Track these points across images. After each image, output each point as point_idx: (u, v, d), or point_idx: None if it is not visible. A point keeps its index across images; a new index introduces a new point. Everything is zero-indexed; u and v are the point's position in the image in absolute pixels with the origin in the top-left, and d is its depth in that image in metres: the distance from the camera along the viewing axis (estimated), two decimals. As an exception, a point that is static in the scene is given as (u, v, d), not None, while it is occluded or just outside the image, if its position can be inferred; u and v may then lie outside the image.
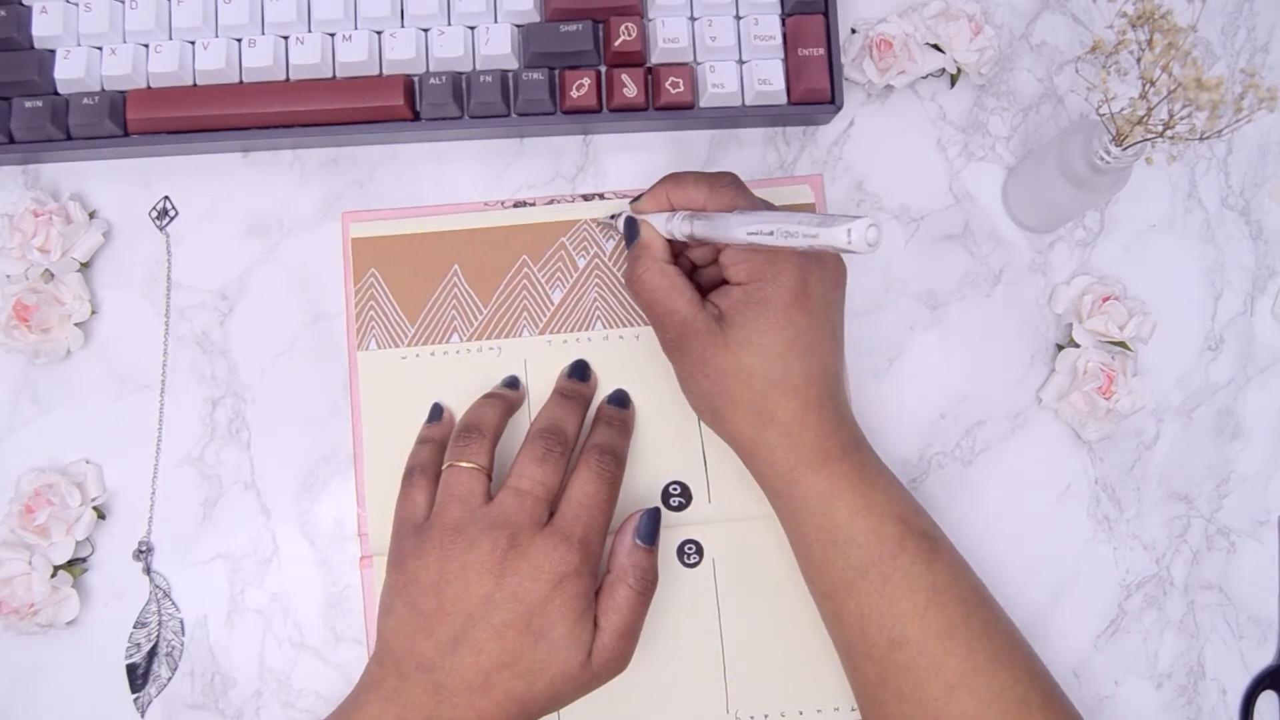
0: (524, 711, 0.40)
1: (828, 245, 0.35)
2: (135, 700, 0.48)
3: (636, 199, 0.46)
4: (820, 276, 0.42)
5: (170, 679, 0.48)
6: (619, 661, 0.42)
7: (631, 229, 0.45)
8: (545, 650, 0.40)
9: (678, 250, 0.45)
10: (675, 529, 0.48)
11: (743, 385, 0.41)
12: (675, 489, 0.48)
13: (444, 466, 0.44)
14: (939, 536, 0.42)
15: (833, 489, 0.41)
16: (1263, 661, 0.50)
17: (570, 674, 0.40)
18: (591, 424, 0.47)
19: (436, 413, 0.48)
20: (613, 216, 0.49)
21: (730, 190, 0.43)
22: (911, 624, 0.40)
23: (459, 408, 0.48)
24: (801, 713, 0.47)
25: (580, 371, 0.49)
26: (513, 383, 0.49)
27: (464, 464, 0.43)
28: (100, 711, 0.48)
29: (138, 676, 0.48)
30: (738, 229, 0.39)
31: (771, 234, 0.37)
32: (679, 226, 0.43)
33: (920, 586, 0.40)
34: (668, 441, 0.49)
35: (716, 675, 0.47)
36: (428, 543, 0.41)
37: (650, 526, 0.44)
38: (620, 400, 0.48)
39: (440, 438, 0.46)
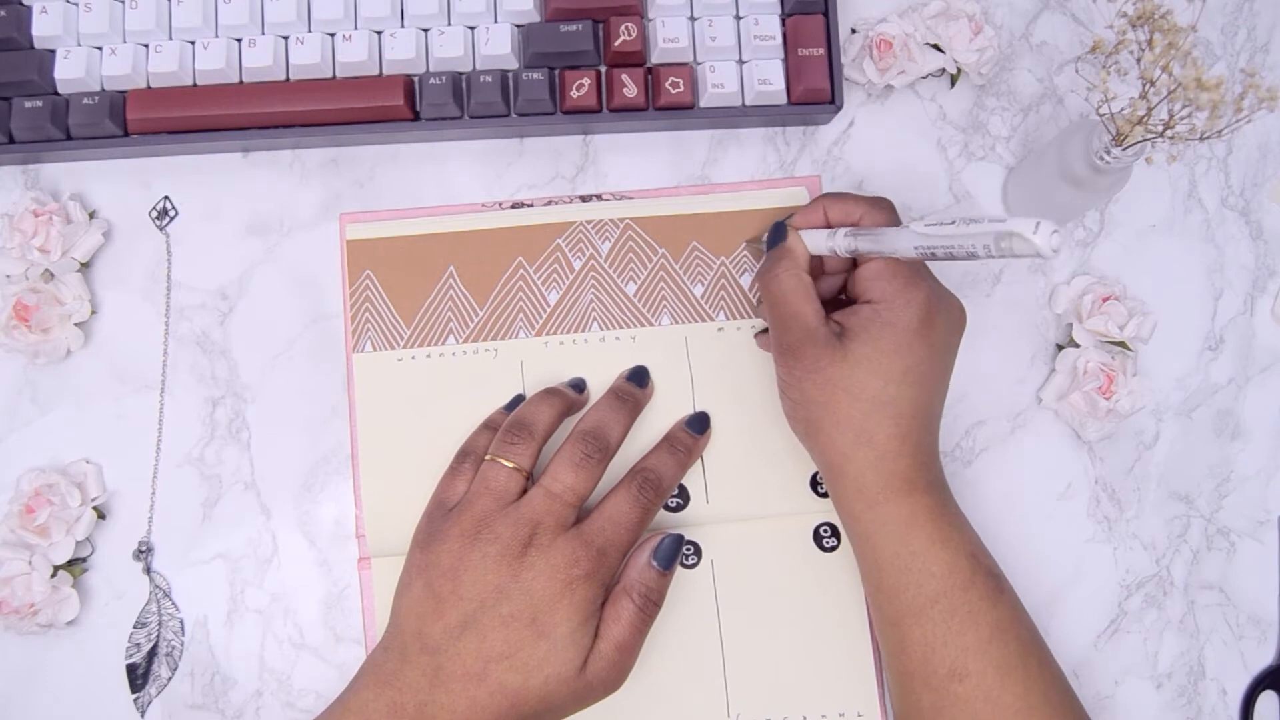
0: (514, 708, 0.40)
1: (1008, 247, 0.34)
2: (135, 700, 0.48)
3: (790, 216, 0.46)
4: (946, 316, 0.43)
5: (170, 679, 0.48)
6: (614, 674, 0.42)
7: (778, 233, 0.45)
8: (545, 648, 0.40)
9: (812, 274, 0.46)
10: (673, 530, 0.48)
11: (850, 401, 0.42)
12: (674, 489, 0.48)
13: (486, 457, 0.44)
14: (1003, 577, 0.43)
15: (914, 518, 0.42)
16: (1263, 661, 0.50)
17: (564, 677, 0.40)
18: (659, 441, 0.47)
19: (518, 403, 0.48)
20: (760, 238, 0.49)
21: (888, 210, 0.44)
22: (974, 658, 0.40)
23: (456, 411, 0.48)
24: (804, 716, 0.47)
25: (639, 377, 0.49)
26: (579, 384, 0.49)
27: (505, 462, 0.43)
28: (100, 711, 0.48)
29: (138, 676, 0.48)
30: (905, 237, 0.39)
31: (948, 245, 0.37)
32: (841, 242, 0.42)
33: (985, 622, 0.41)
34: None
35: (716, 677, 0.47)
36: (454, 528, 0.42)
37: (670, 552, 0.44)
38: (698, 425, 0.48)
39: None
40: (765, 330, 0.49)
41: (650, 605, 0.43)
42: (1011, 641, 0.41)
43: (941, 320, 0.42)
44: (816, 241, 0.44)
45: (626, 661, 0.42)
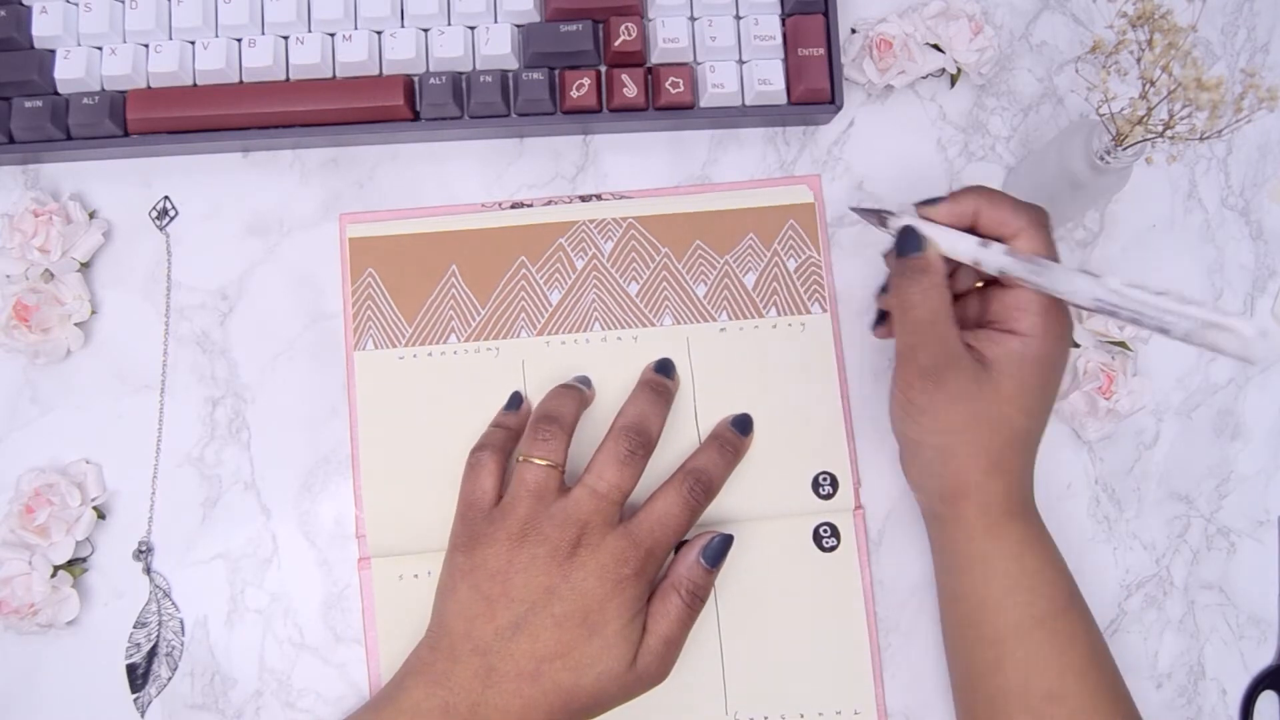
0: (566, 706, 0.41)
1: (1213, 340, 0.32)
2: (135, 700, 0.48)
3: (929, 202, 0.43)
4: (1071, 342, 0.43)
5: (170, 679, 0.48)
6: (661, 667, 0.42)
7: (914, 241, 0.42)
8: (598, 645, 0.41)
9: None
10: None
11: (992, 433, 0.41)
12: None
13: (519, 458, 0.44)
14: (1088, 605, 0.44)
15: (1029, 537, 0.42)
16: (1263, 661, 0.50)
17: (616, 673, 0.41)
18: (706, 440, 0.47)
19: (515, 401, 0.48)
20: (881, 214, 0.44)
21: (1046, 233, 0.41)
22: (1072, 680, 0.41)
23: (457, 410, 0.48)
24: (803, 715, 0.47)
25: (666, 369, 0.49)
26: (585, 381, 0.49)
27: (539, 461, 0.43)
28: (100, 711, 0.48)
29: (138, 676, 0.48)
30: (1086, 287, 0.37)
31: (1134, 311, 0.35)
32: (996, 260, 0.40)
33: (1082, 645, 0.41)
34: (664, 443, 0.48)
35: (715, 675, 0.47)
36: (499, 531, 0.42)
37: (719, 551, 0.45)
38: (742, 425, 0.48)
39: (516, 426, 0.47)
40: (882, 318, 0.47)
41: (697, 601, 0.43)
42: (1106, 668, 0.42)
43: (1070, 348, 0.43)
44: (961, 248, 0.41)
45: (673, 655, 0.43)
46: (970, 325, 0.43)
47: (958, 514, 0.43)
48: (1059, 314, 0.41)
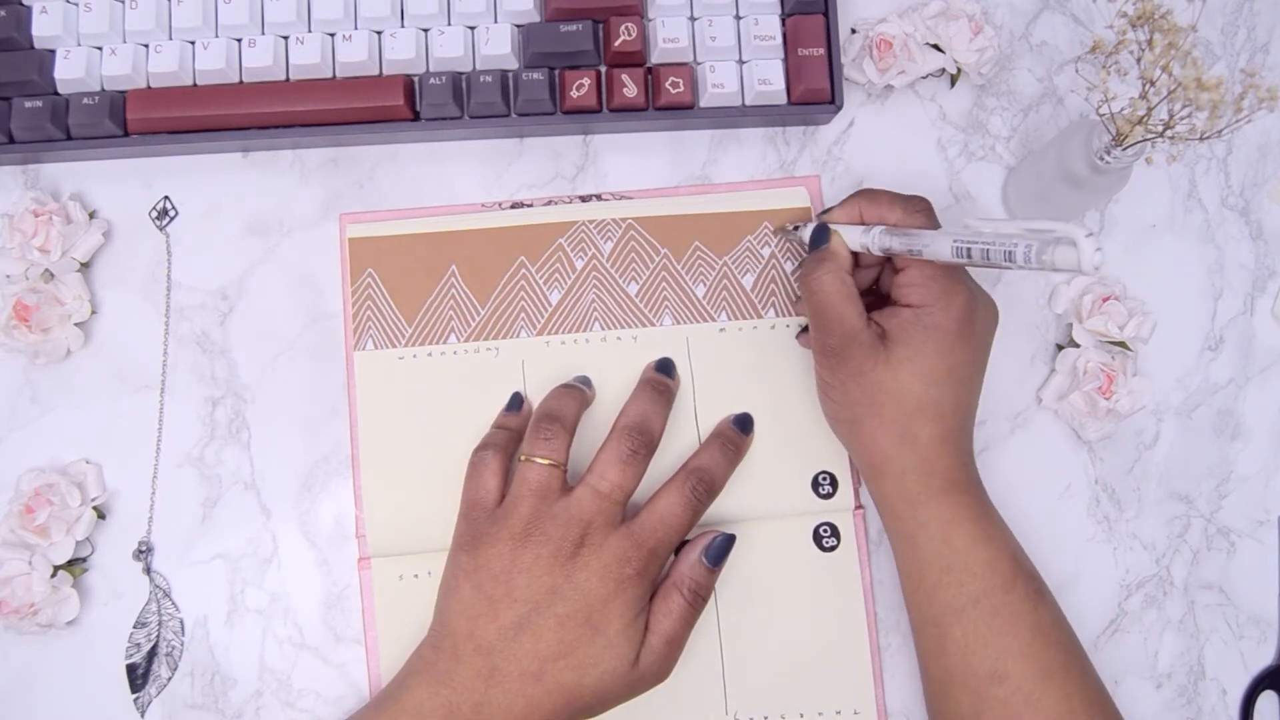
0: (570, 705, 0.41)
1: (1049, 259, 0.33)
2: (135, 700, 0.48)
3: (827, 210, 0.47)
4: (984, 317, 0.44)
5: (170, 679, 0.48)
6: (663, 666, 0.43)
7: (821, 235, 0.45)
8: (601, 645, 0.41)
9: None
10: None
11: (894, 403, 0.42)
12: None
13: (521, 458, 0.44)
14: (1043, 581, 0.43)
15: (955, 517, 0.42)
16: (1263, 661, 0.50)
17: (619, 672, 0.41)
18: (707, 439, 0.48)
19: (516, 402, 0.48)
20: (795, 227, 0.49)
21: (924, 213, 0.44)
22: (1014, 660, 0.41)
23: (457, 409, 0.48)
24: (802, 715, 0.47)
25: (667, 368, 0.49)
26: (586, 380, 0.49)
27: (542, 460, 0.43)
28: (100, 711, 0.48)
29: (138, 676, 0.48)
30: (943, 241, 0.39)
31: (985, 245, 0.37)
32: (877, 240, 0.43)
33: (1026, 625, 0.41)
34: (665, 443, 0.49)
35: (715, 675, 0.47)
36: (503, 531, 0.42)
37: (721, 550, 0.45)
38: (743, 424, 0.48)
39: (518, 427, 0.47)
40: (807, 329, 0.49)
41: (699, 600, 0.44)
42: (1052, 646, 0.41)
43: (979, 321, 0.43)
44: (850, 238, 0.45)
45: (675, 653, 0.43)
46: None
47: (881, 491, 0.44)
48: (947, 283, 0.43)
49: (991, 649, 0.41)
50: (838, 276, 0.44)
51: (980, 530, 0.42)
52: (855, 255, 0.45)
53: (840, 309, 0.43)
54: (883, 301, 0.46)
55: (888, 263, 0.46)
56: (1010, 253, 0.36)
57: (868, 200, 0.45)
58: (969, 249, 0.38)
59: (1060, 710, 0.40)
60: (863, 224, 0.45)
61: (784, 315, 0.50)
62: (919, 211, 0.44)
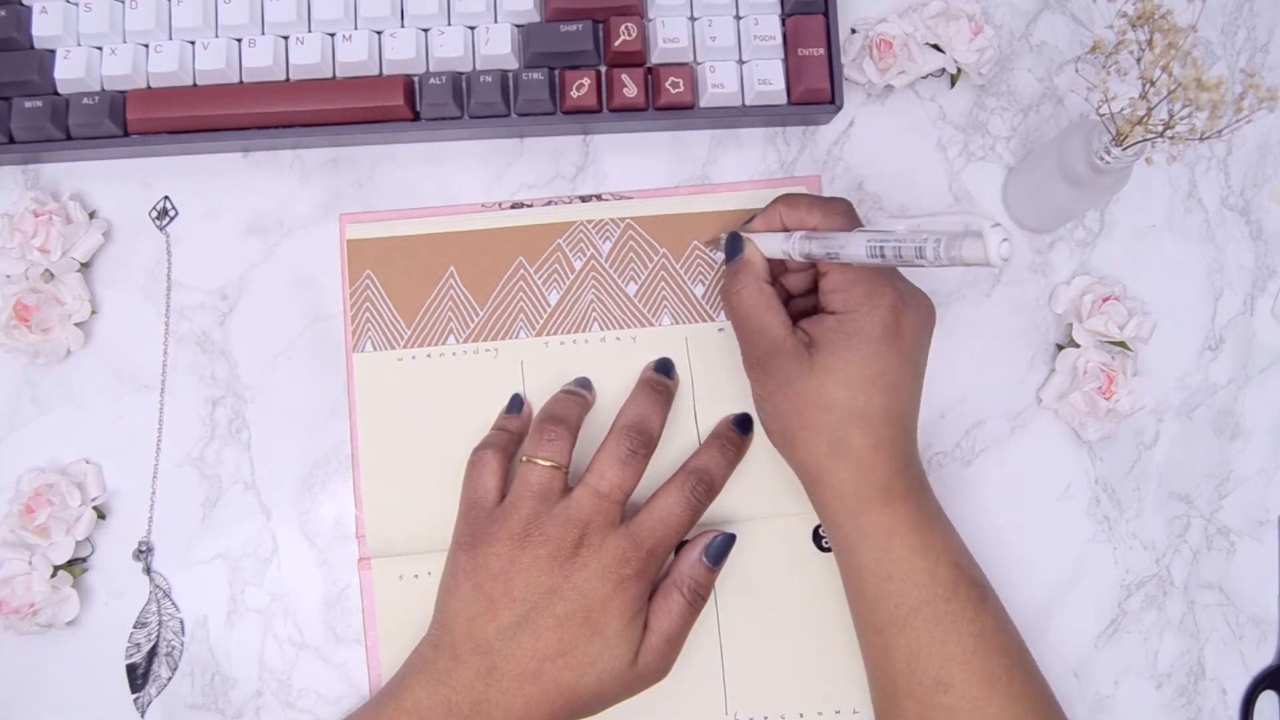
0: (568, 704, 0.41)
1: (957, 253, 0.33)
2: (135, 700, 0.48)
3: (749, 220, 0.46)
4: (914, 318, 0.42)
5: (170, 679, 0.48)
6: (662, 664, 0.43)
7: (734, 245, 0.45)
8: (599, 644, 0.41)
9: (775, 274, 0.46)
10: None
11: (822, 413, 0.41)
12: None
13: (523, 458, 0.44)
14: (988, 586, 0.43)
15: (894, 526, 0.42)
16: (1263, 661, 0.50)
17: (617, 671, 0.41)
18: (707, 439, 0.47)
19: (516, 404, 0.48)
20: (715, 243, 0.49)
21: (844, 215, 0.43)
22: (958, 668, 0.40)
23: (456, 410, 0.48)
24: (802, 714, 0.47)
25: (666, 368, 0.49)
26: (586, 383, 0.49)
27: (544, 461, 0.43)
28: (100, 711, 0.48)
29: (138, 676, 0.48)
30: (858, 242, 0.39)
31: (897, 243, 0.36)
32: (796, 245, 0.42)
33: (969, 632, 0.41)
34: (664, 443, 0.49)
35: (715, 675, 0.47)
36: (502, 531, 0.42)
37: (720, 550, 0.45)
38: (743, 424, 0.48)
39: (517, 429, 0.47)
40: None
41: (699, 599, 0.44)
42: (995, 652, 0.41)
43: (909, 323, 0.42)
44: (772, 246, 0.44)
45: (674, 652, 0.43)
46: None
47: (820, 502, 0.43)
48: (869, 286, 0.41)
49: (935, 658, 0.40)
50: (755, 286, 0.43)
51: (920, 539, 0.42)
52: (782, 262, 0.45)
53: (761, 320, 0.43)
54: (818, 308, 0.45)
55: (814, 268, 0.45)
56: (920, 249, 0.35)
57: (787, 205, 0.44)
58: (882, 248, 0.37)
59: (1005, 716, 0.40)
60: (784, 230, 0.44)
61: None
62: (839, 214, 0.43)
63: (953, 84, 0.53)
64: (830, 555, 0.48)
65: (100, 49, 0.49)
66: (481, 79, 0.49)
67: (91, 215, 0.51)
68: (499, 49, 0.49)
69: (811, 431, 0.42)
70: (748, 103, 0.50)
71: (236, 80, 0.49)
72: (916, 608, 0.41)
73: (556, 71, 0.50)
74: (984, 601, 0.42)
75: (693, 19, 0.50)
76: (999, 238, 0.32)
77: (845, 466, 0.42)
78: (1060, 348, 0.51)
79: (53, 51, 0.49)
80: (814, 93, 0.50)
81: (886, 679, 0.42)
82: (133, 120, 0.49)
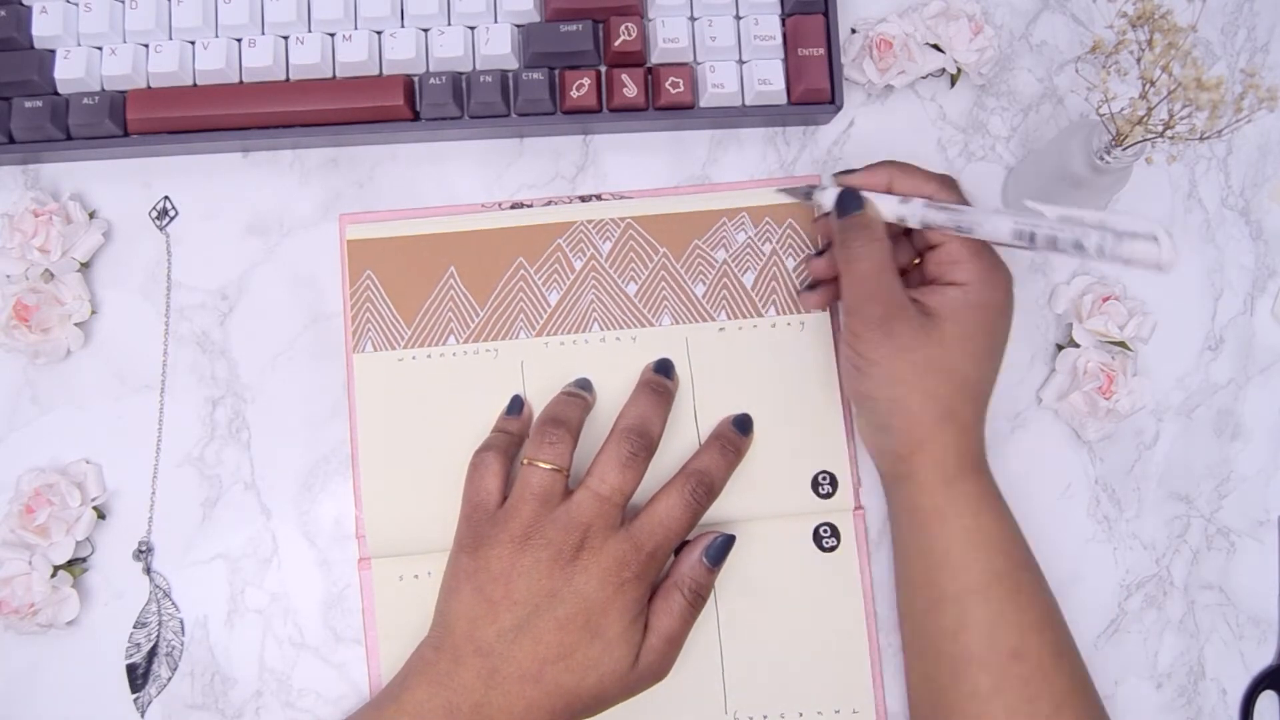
0: (569, 707, 0.41)
1: (1129, 252, 0.33)
2: (135, 700, 0.48)
3: (846, 173, 0.46)
4: (1012, 290, 0.44)
5: (170, 679, 0.48)
6: (662, 665, 0.43)
7: (853, 201, 0.44)
8: (599, 647, 0.41)
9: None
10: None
11: (943, 381, 0.42)
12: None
13: (524, 461, 0.44)
14: (1036, 561, 0.44)
15: (987, 493, 0.43)
16: (1263, 661, 0.50)
17: (618, 673, 0.41)
18: (707, 440, 0.47)
19: (516, 405, 0.48)
20: (806, 192, 0.48)
21: (959, 190, 0.44)
22: (1033, 636, 0.41)
23: (456, 411, 0.48)
24: (801, 714, 0.47)
25: (666, 369, 0.49)
26: (586, 384, 0.49)
27: (545, 464, 0.43)
28: (100, 711, 0.48)
29: (138, 676, 0.48)
30: (1001, 222, 0.39)
31: (1052, 232, 0.37)
32: (918, 213, 0.42)
33: (1039, 602, 0.42)
34: (664, 444, 0.48)
35: (715, 675, 0.47)
36: (503, 533, 0.42)
37: (720, 551, 0.45)
38: (743, 425, 0.48)
39: (518, 430, 0.47)
40: (813, 286, 0.48)
41: (699, 600, 0.44)
42: (1060, 624, 0.42)
43: (1012, 297, 0.44)
44: (885, 208, 0.44)
45: (674, 653, 0.43)
46: (913, 288, 0.45)
47: (913, 470, 0.43)
48: (991, 260, 0.43)
49: (1014, 627, 0.41)
50: (883, 246, 0.43)
51: (1003, 509, 0.43)
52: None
53: (887, 280, 0.43)
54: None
55: (905, 236, 0.46)
56: (1080, 241, 0.35)
57: (901, 171, 0.44)
58: (1032, 234, 0.38)
59: (1070, 688, 0.41)
60: (891, 194, 0.44)
61: (784, 313, 0.50)
62: (953, 188, 0.44)
63: (953, 84, 0.53)
64: (831, 555, 0.48)
65: (100, 49, 0.49)
66: (481, 79, 0.49)
67: (91, 215, 0.51)
68: (499, 49, 0.49)
69: (925, 397, 0.42)
70: (748, 103, 0.50)
71: (236, 80, 0.49)
72: (1000, 575, 0.42)
73: (556, 71, 0.50)
74: (1043, 577, 0.43)
75: (693, 19, 0.50)
76: (1172, 243, 0.32)
77: (952, 434, 0.42)
78: (1060, 348, 0.51)
79: (53, 51, 0.49)
80: (814, 93, 0.50)
81: (960, 651, 0.42)
82: (133, 120, 0.49)
